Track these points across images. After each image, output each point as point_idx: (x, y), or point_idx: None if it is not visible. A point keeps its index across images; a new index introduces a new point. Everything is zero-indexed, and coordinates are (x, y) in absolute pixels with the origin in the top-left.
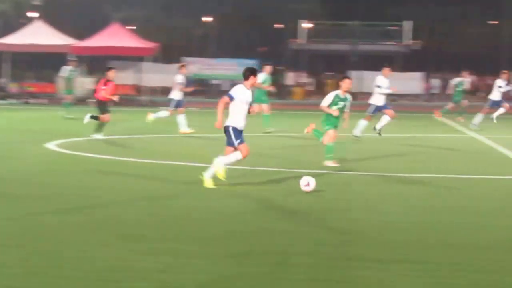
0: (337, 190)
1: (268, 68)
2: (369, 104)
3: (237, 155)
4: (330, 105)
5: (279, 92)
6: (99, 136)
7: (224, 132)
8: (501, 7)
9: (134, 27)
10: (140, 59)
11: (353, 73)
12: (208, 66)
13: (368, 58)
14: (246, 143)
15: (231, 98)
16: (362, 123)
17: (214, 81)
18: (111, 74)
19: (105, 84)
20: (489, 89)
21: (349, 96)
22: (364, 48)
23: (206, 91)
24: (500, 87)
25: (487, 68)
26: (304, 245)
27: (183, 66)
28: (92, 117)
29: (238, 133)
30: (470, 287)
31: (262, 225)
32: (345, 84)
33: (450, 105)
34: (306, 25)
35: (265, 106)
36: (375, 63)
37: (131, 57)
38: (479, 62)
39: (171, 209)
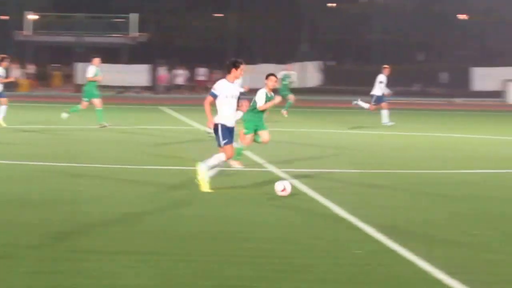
0: (65, 182)
1: (96, 60)
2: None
3: (220, 157)
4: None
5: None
6: None
7: (214, 131)
8: (227, 0)
9: None
10: None
11: (79, 65)
12: None
13: (94, 50)
14: (232, 145)
15: (214, 96)
16: None
17: None
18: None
19: None
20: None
21: (273, 95)
22: (90, 40)
23: None
24: (381, 82)
25: (215, 60)
26: (32, 238)
27: (3, 58)
28: None
29: (227, 132)
30: (192, 276)
31: None
32: (271, 82)
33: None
34: (32, 16)
35: (97, 101)
36: (101, 55)
37: None
38: (206, 55)
39: None
